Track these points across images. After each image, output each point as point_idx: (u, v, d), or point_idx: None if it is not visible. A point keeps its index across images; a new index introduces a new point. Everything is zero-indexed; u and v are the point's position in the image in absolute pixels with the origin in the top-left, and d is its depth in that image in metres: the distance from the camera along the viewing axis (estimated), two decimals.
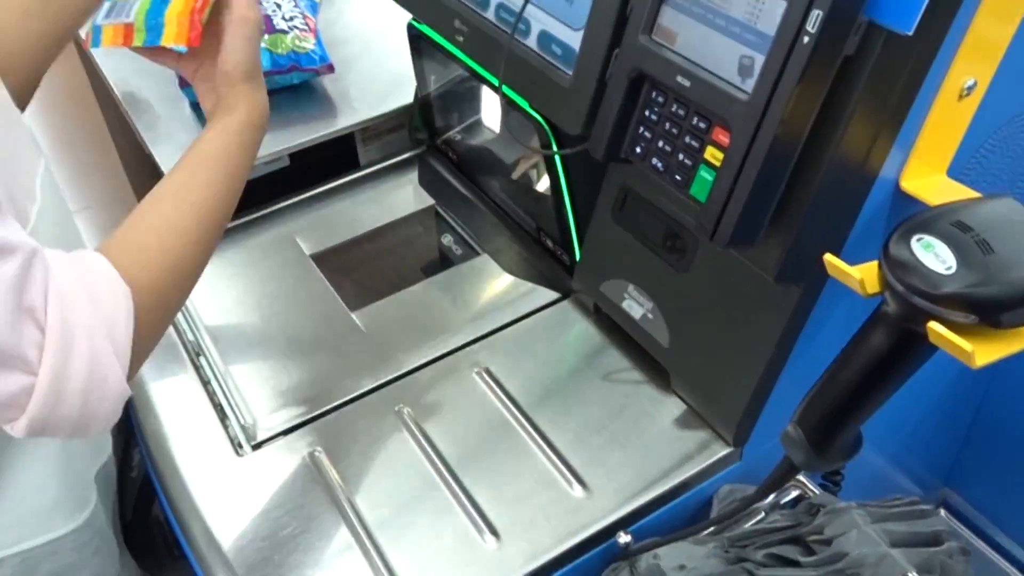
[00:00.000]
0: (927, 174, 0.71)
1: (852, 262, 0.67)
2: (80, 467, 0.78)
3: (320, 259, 1.07)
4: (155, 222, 0.64)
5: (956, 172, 0.72)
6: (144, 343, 0.59)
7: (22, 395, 0.52)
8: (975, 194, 0.68)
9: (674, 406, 0.87)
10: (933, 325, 0.49)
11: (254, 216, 1.14)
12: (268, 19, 1.21)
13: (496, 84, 0.86)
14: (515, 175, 1.06)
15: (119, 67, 1.29)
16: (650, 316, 0.87)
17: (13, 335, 0.51)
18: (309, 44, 1.21)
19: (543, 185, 1.02)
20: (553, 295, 1.00)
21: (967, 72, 0.66)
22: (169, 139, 1.18)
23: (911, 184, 0.70)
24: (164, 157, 1.13)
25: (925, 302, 0.50)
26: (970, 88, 0.67)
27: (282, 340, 0.97)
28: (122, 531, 0.90)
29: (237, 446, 0.86)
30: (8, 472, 0.71)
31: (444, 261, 1.16)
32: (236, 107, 0.72)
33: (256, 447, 0.85)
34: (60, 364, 0.53)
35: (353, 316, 0.99)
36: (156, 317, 0.62)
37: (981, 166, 0.75)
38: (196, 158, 0.70)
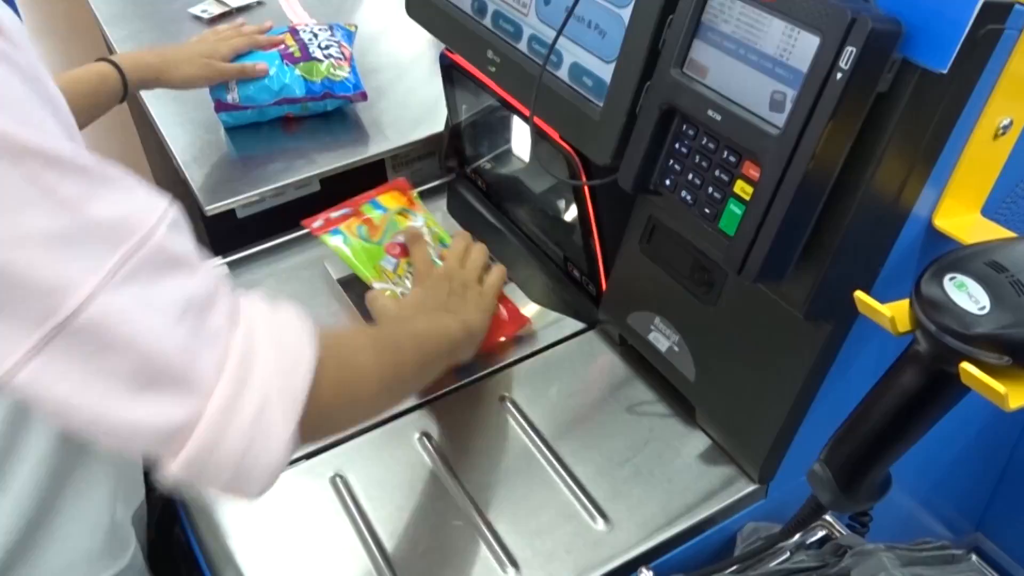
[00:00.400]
0: (961, 212, 0.70)
1: (883, 300, 0.66)
2: (123, 510, 0.79)
3: (347, 284, 1.08)
4: (372, 343, 0.69)
5: (990, 211, 0.72)
6: (316, 427, 0.55)
7: (186, 426, 0.48)
8: (1010, 233, 0.67)
9: (699, 441, 0.86)
10: (965, 366, 0.48)
11: (283, 240, 1.15)
12: (304, 47, 1.23)
13: (527, 115, 0.87)
14: (543, 205, 1.06)
15: (156, 92, 1.32)
16: (676, 349, 0.86)
17: (188, 354, 0.48)
18: (344, 72, 1.23)
19: (571, 215, 1.02)
20: (579, 325, 0.99)
21: (1003, 111, 0.65)
22: (204, 162, 1.19)
23: (944, 222, 0.69)
24: (198, 180, 1.15)
25: (957, 342, 0.49)
26: (1006, 127, 0.66)
27: None
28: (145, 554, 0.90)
29: None
30: (59, 518, 0.71)
31: None
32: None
33: None
34: (233, 394, 0.49)
35: None
36: (328, 406, 0.57)
37: (1017, 205, 0.74)
38: (437, 327, 0.82)
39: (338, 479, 0.84)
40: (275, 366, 0.51)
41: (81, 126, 0.82)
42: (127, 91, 1.10)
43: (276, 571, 0.77)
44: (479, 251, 0.98)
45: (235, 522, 0.81)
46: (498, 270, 0.97)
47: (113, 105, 1.10)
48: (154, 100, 1.31)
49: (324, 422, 0.59)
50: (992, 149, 0.67)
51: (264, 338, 0.52)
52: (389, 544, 0.78)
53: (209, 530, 0.81)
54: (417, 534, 0.79)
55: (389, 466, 0.85)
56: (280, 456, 0.52)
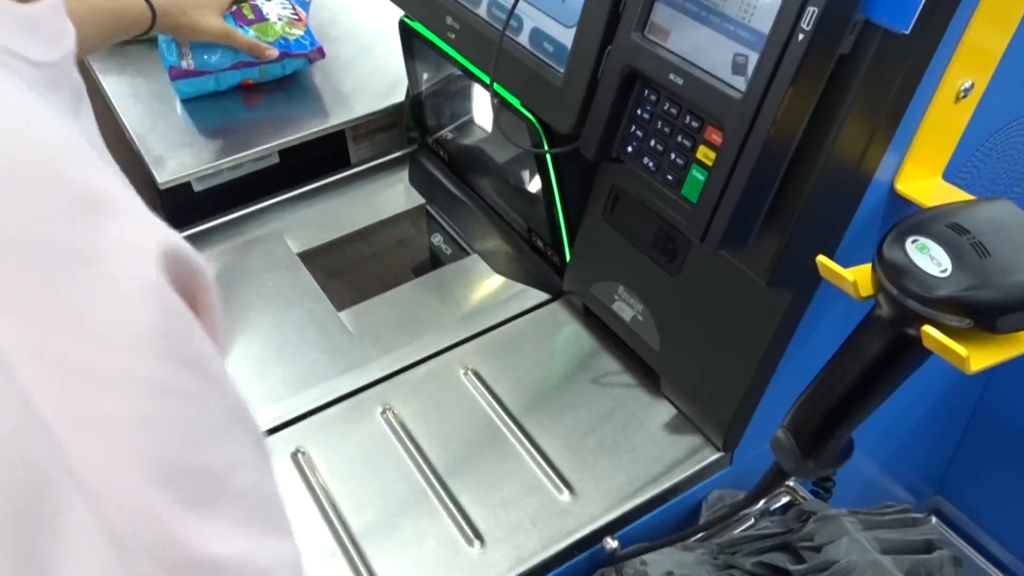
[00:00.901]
0: (922, 177, 0.70)
1: (846, 265, 0.66)
2: None
3: (308, 257, 1.06)
4: None
5: (952, 175, 0.71)
6: None
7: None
8: (971, 197, 0.67)
9: (664, 410, 0.86)
10: (927, 329, 0.48)
11: (243, 213, 1.12)
12: (257, 9, 1.20)
13: (487, 82, 0.85)
14: (506, 175, 1.05)
15: (105, 61, 1.28)
16: (640, 318, 0.85)
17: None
18: (299, 31, 1.20)
19: (534, 185, 1.01)
20: (543, 296, 0.99)
21: (964, 74, 0.64)
22: (159, 136, 1.16)
23: (906, 186, 0.69)
24: (153, 153, 1.12)
25: (919, 305, 0.49)
26: (967, 90, 0.66)
27: (268, 338, 0.95)
28: None
29: None
30: None
31: (434, 261, 1.15)
32: None
33: None
34: None
35: (340, 316, 0.97)
36: None
37: (977, 169, 0.74)
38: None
39: (299, 454, 0.83)
40: None
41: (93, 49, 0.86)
42: (154, 21, 1.04)
43: None
44: None
45: None
46: None
47: (134, 33, 1.05)
48: (104, 69, 1.27)
49: None
50: (954, 112, 0.67)
51: None
52: (352, 519, 0.77)
53: None
54: (381, 509, 0.78)
55: (351, 441, 0.84)
56: None
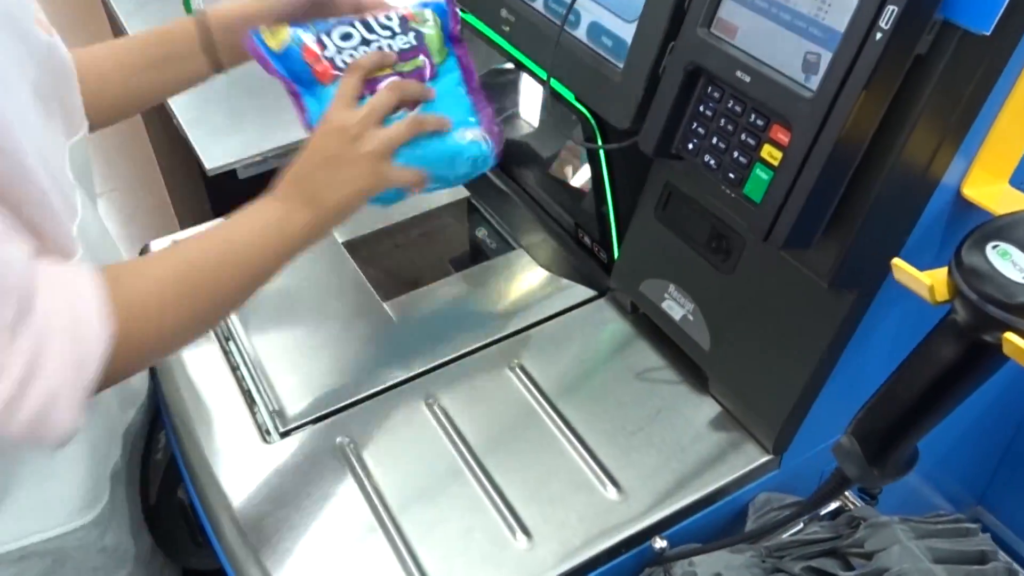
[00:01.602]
0: (989, 182, 0.68)
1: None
2: (96, 466, 0.77)
3: (353, 247, 1.06)
4: (169, 277, 0.64)
5: (1018, 181, 0.70)
6: (108, 380, 0.59)
7: None
8: None
9: (711, 410, 0.85)
10: (1010, 336, 0.47)
11: None
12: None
13: (543, 76, 0.84)
14: (554, 169, 1.05)
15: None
16: (691, 318, 0.85)
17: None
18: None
19: (583, 180, 1.01)
20: (589, 292, 0.98)
21: None
22: (205, 122, 1.17)
23: (973, 191, 0.68)
24: (200, 140, 1.13)
25: (1000, 311, 0.48)
26: None
27: (313, 327, 0.95)
28: (144, 514, 0.89)
29: (265, 433, 0.84)
30: (24, 467, 0.70)
31: (476, 254, 1.14)
32: (298, 204, 0.70)
33: (284, 434, 0.84)
34: (15, 396, 0.53)
35: (385, 306, 0.97)
36: (128, 365, 0.62)
37: None
38: (239, 232, 0.69)
39: (345, 443, 0.83)
40: (66, 359, 0.55)
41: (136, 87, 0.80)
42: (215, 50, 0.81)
43: (280, 532, 0.76)
44: (389, 89, 0.72)
45: (239, 485, 0.80)
46: (407, 122, 0.72)
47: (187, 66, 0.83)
48: None
49: (120, 374, 0.62)
50: None
51: (57, 331, 0.55)
52: (397, 510, 0.77)
53: (212, 492, 0.80)
54: (427, 502, 0.78)
55: (397, 432, 0.84)
56: (69, 427, 0.57)
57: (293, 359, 0.92)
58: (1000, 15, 0.55)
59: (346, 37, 0.75)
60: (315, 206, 0.70)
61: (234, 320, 0.96)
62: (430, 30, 0.77)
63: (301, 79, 0.75)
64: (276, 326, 0.97)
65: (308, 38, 0.74)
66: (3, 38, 0.59)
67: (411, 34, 0.77)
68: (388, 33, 0.76)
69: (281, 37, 0.74)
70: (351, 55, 0.75)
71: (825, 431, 0.79)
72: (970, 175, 0.67)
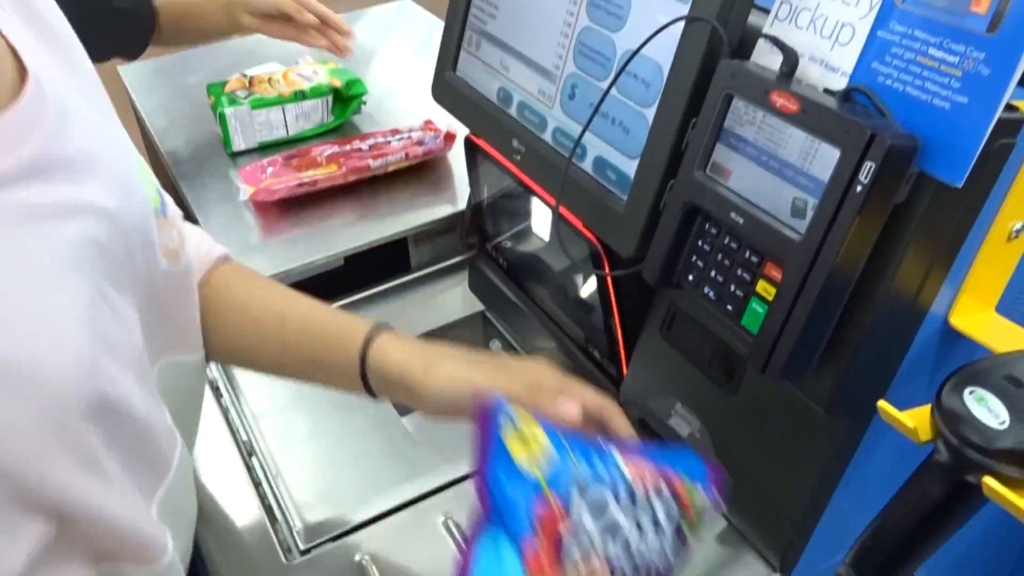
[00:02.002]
0: (976, 311, 0.72)
1: (902, 395, 0.68)
2: None
3: None
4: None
5: (1004, 308, 0.74)
6: None
7: None
8: (1022, 331, 0.69)
9: (718, 525, 0.87)
10: (988, 480, 0.50)
11: None
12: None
13: (552, 204, 0.89)
14: (564, 285, 1.09)
15: (185, 162, 1.36)
16: (697, 435, 0.88)
17: None
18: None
19: (592, 297, 1.05)
20: None
21: (1015, 216, 0.67)
22: (231, 238, 1.23)
23: (960, 320, 0.71)
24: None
25: (979, 455, 0.51)
26: (1018, 231, 0.68)
27: (334, 443, 0.99)
28: None
29: (286, 550, 0.87)
30: None
31: None
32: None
33: (304, 552, 0.87)
34: None
35: (403, 421, 1.01)
36: None
37: None
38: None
39: (365, 561, 0.85)
40: None
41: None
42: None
43: None
44: None
45: None
46: None
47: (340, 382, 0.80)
48: (182, 174, 1.35)
49: None
50: (1006, 251, 0.70)
51: None
52: None
53: None
54: None
55: (414, 550, 0.86)
56: None
57: (315, 475, 0.95)
58: (971, 168, 0.60)
59: (598, 509, 0.56)
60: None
61: (257, 435, 0.99)
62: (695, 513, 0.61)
63: (503, 516, 0.55)
64: (299, 442, 1.00)
65: (556, 489, 0.55)
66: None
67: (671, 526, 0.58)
68: (649, 517, 0.58)
69: (534, 450, 0.56)
70: (589, 542, 0.55)
71: (831, 549, 0.80)
72: (957, 304, 0.71)
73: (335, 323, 0.77)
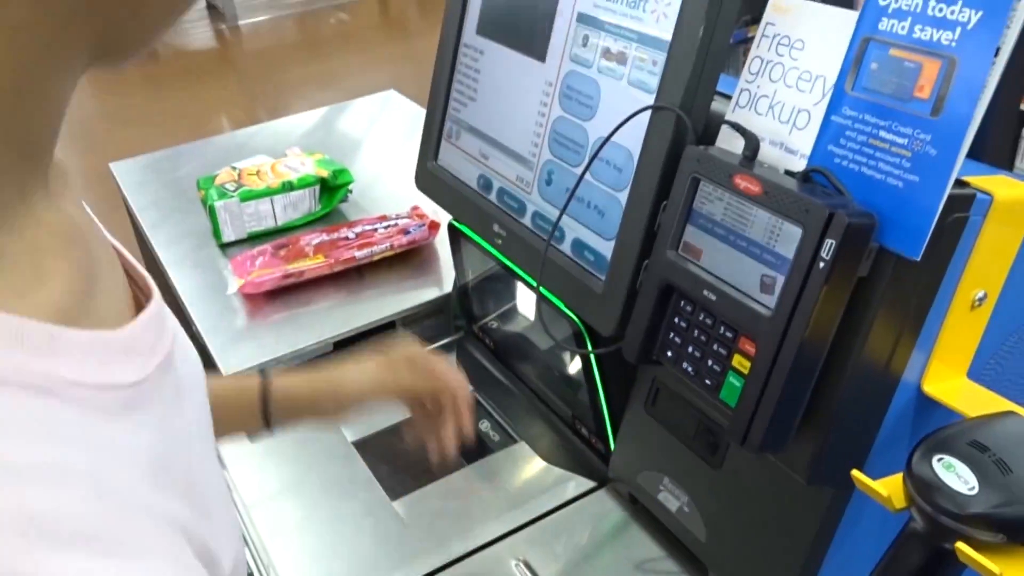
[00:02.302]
0: (948, 377, 0.74)
1: (881, 463, 0.69)
2: None
3: (362, 446, 1.11)
4: None
5: (976, 373, 0.76)
6: None
7: None
8: (994, 396, 0.71)
9: None
10: (960, 546, 0.51)
11: None
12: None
13: (534, 285, 0.92)
14: (550, 363, 1.11)
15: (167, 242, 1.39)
16: (686, 509, 0.88)
17: None
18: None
19: (577, 374, 1.06)
20: (589, 484, 1.02)
21: (976, 285, 0.70)
22: (222, 328, 1.24)
23: (933, 387, 0.73)
24: (217, 346, 1.20)
25: (952, 522, 0.52)
26: (981, 299, 0.71)
27: (326, 530, 0.99)
28: None
29: None
30: None
31: (481, 446, 1.19)
32: None
33: None
34: None
35: (394, 505, 1.01)
36: None
37: (1000, 366, 0.78)
38: None
39: None
40: None
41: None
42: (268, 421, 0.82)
43: None
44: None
45: None
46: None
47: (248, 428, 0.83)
48: (170, 260, 1.38)
49: None
50: (971, 319, 0.72)
51: None
52: None
53: None
54: None
55: None
56: None
57: (307, 563, 0.95)
58: (927, 241, 0.63)
59: None
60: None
61: (248, 525, 0.99)
62: None
63: None
64: (290, 530, 1.00)
65: None
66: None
67: None
68: None
69: None
70: None
71: None
72: (928, 372, 0.73)
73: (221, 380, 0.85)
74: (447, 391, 0.88)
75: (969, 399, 0.71)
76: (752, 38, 0.76)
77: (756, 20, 0.75)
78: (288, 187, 1.45)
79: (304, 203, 1.48)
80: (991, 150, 2.49)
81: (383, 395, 0.87)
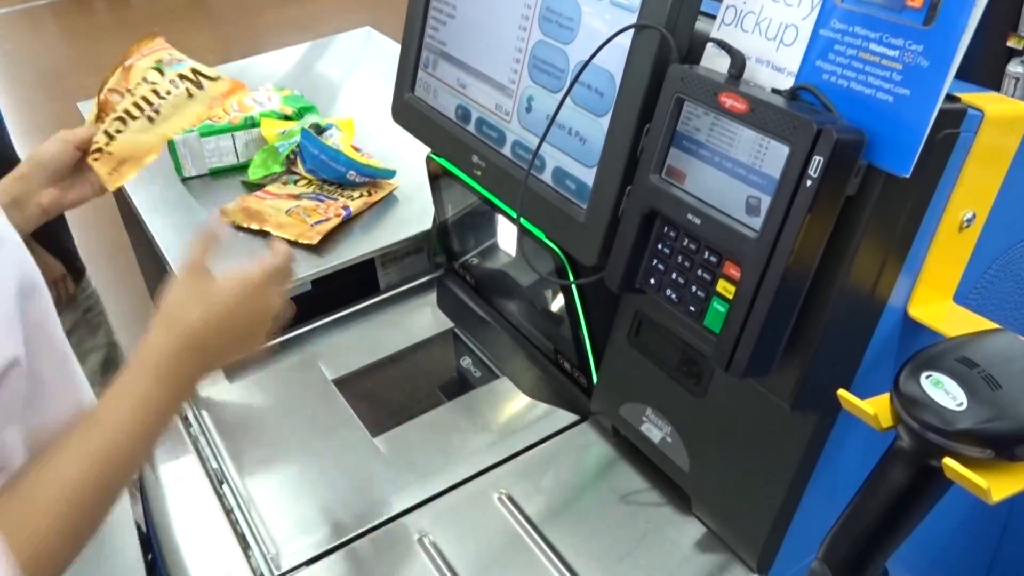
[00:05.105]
0: (934, 301, 0.73)
1: (865, 388, 0.68)
2: None
3: (342, 384, 1.09)
4: (61, 508, 0.60)
5: (962, 297, 0.75)
6: None
7: None
8: (980, 319, 0.70)
9: (695, 529, 0.87)
10: (948, 461, 0.51)
11: (278, 341, 1.16)
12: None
13: (514, 216, 0.90)
14: (531, 298, 1.09)
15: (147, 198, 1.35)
16: (669, 440, 0.88)
17: None
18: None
19: (559, 308, 1.05)
20: (572, 417, 1.01)
21: (965, 206, 0.69)
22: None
23: (919, 311, 0.72)
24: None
25: (940, 438, 0.51)
26: (969, 220, 0.70)
27: (306, 467, 0.98)
28: None
29: None
30: None
31: (463, 383, 1.18)
32: (161, 333, 0.67)
33: None
34: None
35: (375, 441, 1.00)
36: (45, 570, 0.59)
37: (986, 290, 0.77)
38: (117, 435, 0.64)
39: None
40: None
41: None
42: None
43: None
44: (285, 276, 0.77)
45: None
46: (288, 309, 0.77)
47: None
48: (139, 200, 1.35)
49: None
50: (958, 241, 0.71)
51: None
52: None
53: None
54: None
55: (391, 571, 0.85)
56: None
57: (287, 500, 0.94)
58: (917, 158, 0.61)
59: None
60: (197, 379, 0.69)
61: (227, 463, 0.98)
62: None
63: None
64: (269, 467, 0.99)
65: None
66: None
67: None
68: None
69: None
70: None
71: (808, 547, 0.80)
72: (915, 296, 0.72)
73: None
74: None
75: (956, 323, 0.70)
76: None
77: None
78: (250, 123, 1.41)
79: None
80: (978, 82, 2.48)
81: (67, 142, 0.88)
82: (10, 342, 0.61)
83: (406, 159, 1.36)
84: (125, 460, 0.64)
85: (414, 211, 1.31)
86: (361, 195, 1.32)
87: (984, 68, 2.47)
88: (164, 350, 0.67)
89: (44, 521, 0.60)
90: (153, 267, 1.41)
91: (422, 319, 1.20)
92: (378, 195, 1.34)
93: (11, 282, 0.63)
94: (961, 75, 0.60)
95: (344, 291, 1.24)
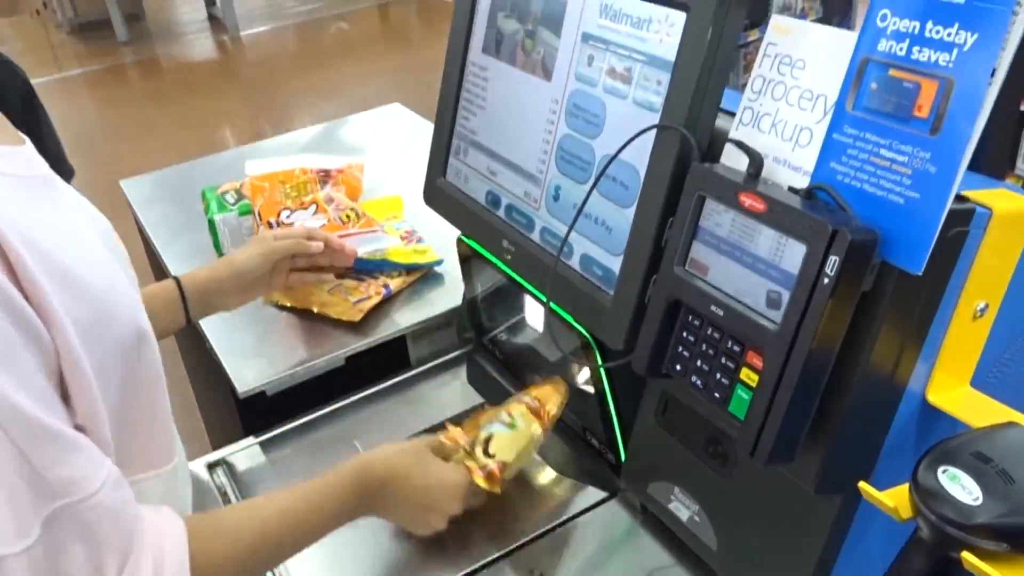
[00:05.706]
0: (951, 386, 0.75)
1: (887, 473, 0.71)
2: None
3: None
4: (245, 545, 0.76)
5: (978, 382, 0.77)
6: None
7: None
8: (997, 404, 0.72)
9: None
10: (966, 555, 0.53)
11: (313, 416, 1.20)
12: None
13: (542, 299, 0.94)
14: (559, 375, 1.12)
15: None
16: (697, 519, 0.90)
17: None
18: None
19: (587, 386, 1.08)
20: (601, 494, 1.03)
21: (978, 297, 0.72)
22: (236, 344, 1.26)
23: (937, 397, 0.75)
24: (230, 362, 1.22)
25: (958, 532, 0.54)
26: (982, 310, 0.73)
27: (338, 544, 1.00)
28: None
29: None
30: None
31: None
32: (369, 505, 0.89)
33: None
34: None
35: None
36: None
37: (1003, 374, 0.80)
38: (313, 516, 0.84)
39: None
40: None
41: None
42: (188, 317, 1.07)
43: None
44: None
45: None
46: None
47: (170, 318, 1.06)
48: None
49: None
50: (973, 329, 0.74)
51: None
52: None
53: None
54: None
55: None
56: None
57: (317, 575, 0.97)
58: (928, 256, 0.64)
59: None
60: (377, 511, 0.91)
61: None
62: None
63: None
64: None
65: None
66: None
67: None
68: None
69: None
70: None
71: None
72: (933, 382, 0.75)
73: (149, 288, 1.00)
74: (302, 233, 1.16)
75: (972, 408, 0.73)
76: (752, 42, 0.77)
77: (755, 24, 0.76)
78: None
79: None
80: (992, 150, 2.50)
81: (268, 258, 1.11)
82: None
83: (446, 233, 1.41)
84: (299, 542, 0.83)
85: (446, 287, 1.35)
86: (400, 274, 1.37)
87: (996, 133, 2.50)
88: (374, 486, 0.89)
89: (224, 547, 0.74)
90: (197, 350, 1.45)
91: (452, 395, 1.24)
92: (417, 273, 1.38)
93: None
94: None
95: (376, 366, 1.28)
